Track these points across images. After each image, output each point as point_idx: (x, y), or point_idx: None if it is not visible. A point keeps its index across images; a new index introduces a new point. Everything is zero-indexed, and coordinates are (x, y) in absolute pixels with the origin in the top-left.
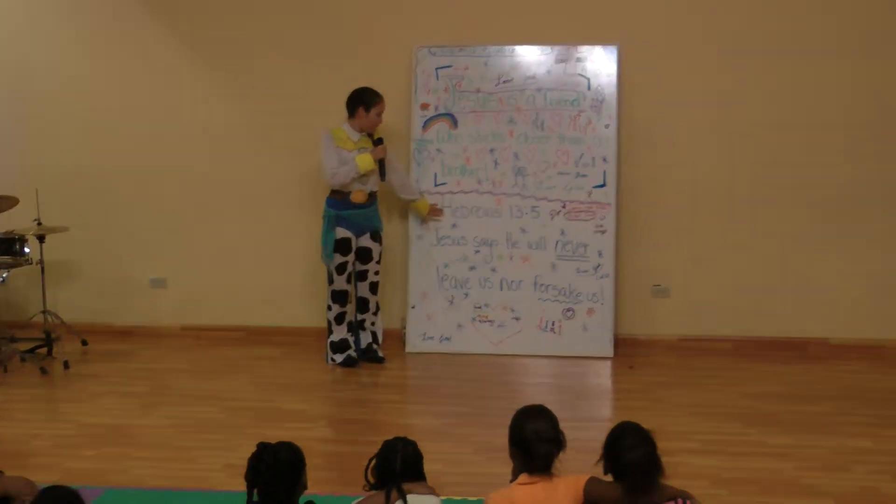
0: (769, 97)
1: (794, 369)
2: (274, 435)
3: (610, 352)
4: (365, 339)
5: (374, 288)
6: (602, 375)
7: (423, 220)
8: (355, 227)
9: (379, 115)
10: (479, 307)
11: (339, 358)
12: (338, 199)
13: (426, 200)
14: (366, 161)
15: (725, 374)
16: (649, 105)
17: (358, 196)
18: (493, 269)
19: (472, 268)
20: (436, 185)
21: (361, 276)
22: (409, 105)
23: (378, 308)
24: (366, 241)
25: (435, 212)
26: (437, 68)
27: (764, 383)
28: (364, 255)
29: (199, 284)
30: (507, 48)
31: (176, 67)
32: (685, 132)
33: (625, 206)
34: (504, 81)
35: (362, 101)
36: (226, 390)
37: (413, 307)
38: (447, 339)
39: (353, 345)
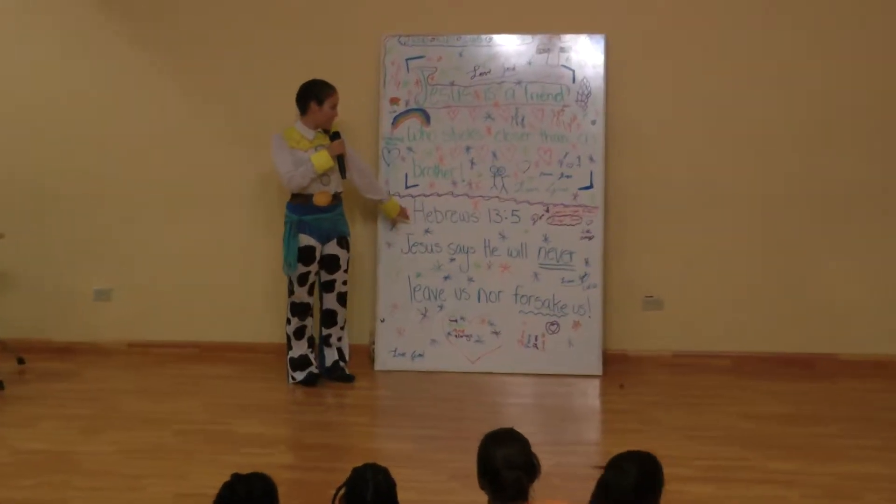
0: (770, 91)
1: (799, 388)
2: (230, 461)
3: (598, 369)
4: (330, 356)
5: (342, 299)
6: (589, 395)
7: (393, 224)
8: (319, 234)
9: (333, 107)
10: (455, 321)
11: (299, 376)
12: (299, 204)
13: (395, 202)
14: (322, 159)
15: (724, 393)
16: (640, 99)
17: (321, 198)
18: (470, 279)
19: (446, 277)
20: (407, 187)
21: (328, 286)
22: (376, 100)
23: (345, 322)
24: (332, 248)
25: (403, 214)
26: (407, 59)
27: (766, 403)
28: (330, 264)
29: (148, 296)
30: (485, 37)
31: (123, 59)
32: (679, 129)
33: (613, 210)
34: (481, 74)
35: (313, 94)
36: (177, 412)
37: (382, 321)
38: (420, 355)
39: (314, 361)
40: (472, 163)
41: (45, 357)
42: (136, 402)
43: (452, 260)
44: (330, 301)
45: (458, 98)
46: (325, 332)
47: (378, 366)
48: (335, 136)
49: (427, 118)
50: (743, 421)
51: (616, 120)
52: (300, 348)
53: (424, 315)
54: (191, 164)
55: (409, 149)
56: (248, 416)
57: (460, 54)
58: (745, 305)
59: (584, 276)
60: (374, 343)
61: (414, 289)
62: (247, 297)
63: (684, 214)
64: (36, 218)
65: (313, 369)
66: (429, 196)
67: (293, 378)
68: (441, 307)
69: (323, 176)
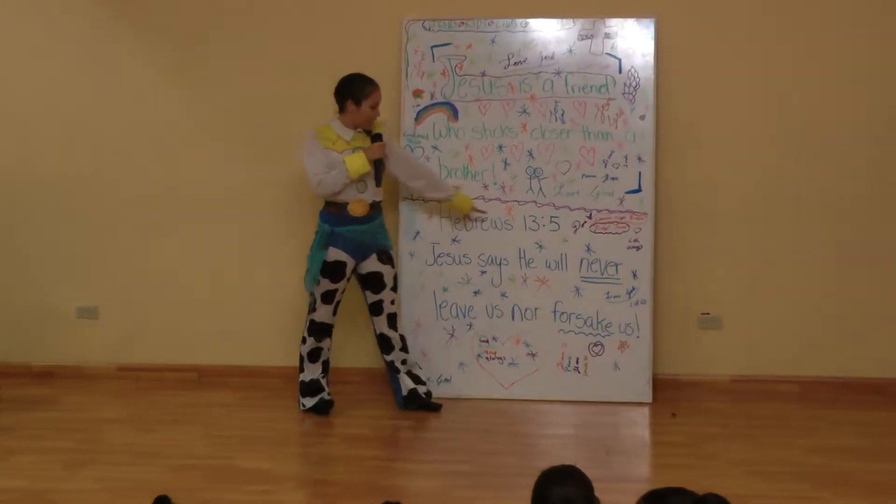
0: (847, 81)
1: (875, 417)
2: (232, 501)
3: (647, 396)
4: (405, 384)
5: (393, 322)
6: (638, 425)
7: (465, 220)
8: (354, 248)
9: (373, 107)
10: (486, 341)
11: (309, 402)
12: (333, 213)
13: (465, 196)
14: (357, 162)
15: (791, 423)
16: (695, 92)
17: (356, 208)
18: (503, 295)
19: (476, 292)
20: None
21: (375, 308)
22: (397, 93)
23: (405, 343)
24: (372, 264)
25: (476, 208)
26: (432, 46)
27: (839, 435)
28: (374, 283)
29: (139, 314)
30: (520, 21)
31: (110, 51)
32: (740, 126)
33: (665, 217)
34: (515, 63)
35: (350, 92)
36: (171, 445)
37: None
38: (446, 380)
39: (326, 386)
40: (506, 163)
41: (22, 382)
42: (125, 434)
43: (483, 273)
44: (381, 325)
45: (489, 90)
46: (386, 359)
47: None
48: (377, 137)
49: (455, 113)
50: (812, 455)
51: (668, 115)
52: (312, 372)
53: (451, 335)
54: (187, 167)
55: (435, 147)
56: (252, 450)
57: (492, 41)
58: (814, 324)
59: (631, 291)
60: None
61: (440, 305)
62: (251, 314)
63: (746, 222)
64: (13, 228)
65: (325, 395)
66: None
67: (303, 405)
68: (470, 326)
69: (359, 182)
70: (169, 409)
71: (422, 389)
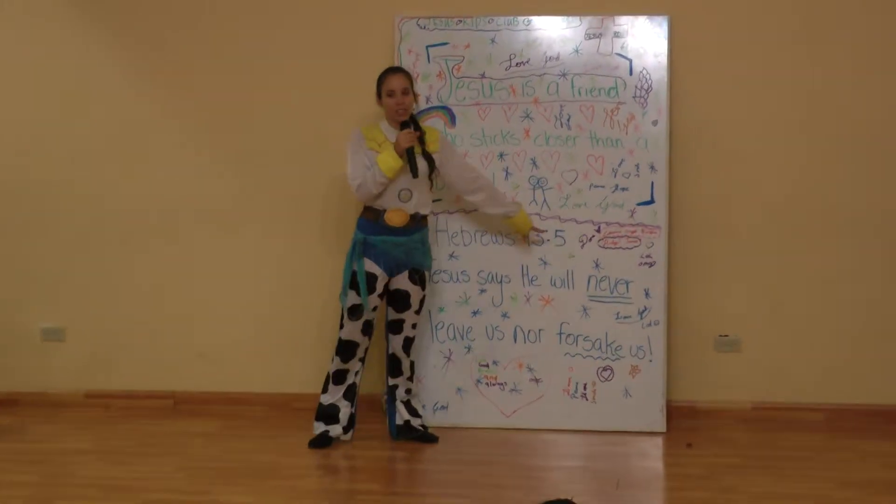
0: (882, 83)
1: None
2: None
3: (661, 425)
4: (401, 414)
5: (407, 346)
6: (651, 456)
7: (526, 242)
8: (388, 261)
9: (390, 94)
10: (486, 365)
11: (318, 428)
12: (369, 220)
13: (526, 214)
14: (388, 158)
15: (816, 454)
16: (712, 95)
17: (394, 217)
18: (505, 315)
19: (475, 313)
20: None
21: (394, 326)
22: None
23: (413, 372)
24: (402, 281)
25: (536, 229)
26: (427, 46)
27: (868, 468)
28: (400, 301)
29: (109, 336)
30: (522, 19)
31: (81, 56)
32: (761, 131)
33: (680, 230)
34: (517, 64)
35: (377, 87)
36: (145, 479)
37: None
38: (443, 407)
39: (342, 419)
40: (507, 172)
41: None
42: (94, 467)
43: (483, 291)
44: (395, 345)
45: (489, 94)
46: (391, 381)
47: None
48: (404, 125)
49: (452, 118)
50: (839, 489)
51: (683, 120)
52: (334, 395)
53: (448, 359)
54: (163, 179)
55: None
56: (234, 483)
57: (492, 40)
58: (841, 347)
59: (643, 311)
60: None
61: (436, 326)
62: (233, 335)
63: (767, 236)
64: None
65: (331, 430)
66: (454, 213)
67: (315, 428)
68: (469, 349)
69: (403, 190)
70: (142, 439)
71: (416, 422)
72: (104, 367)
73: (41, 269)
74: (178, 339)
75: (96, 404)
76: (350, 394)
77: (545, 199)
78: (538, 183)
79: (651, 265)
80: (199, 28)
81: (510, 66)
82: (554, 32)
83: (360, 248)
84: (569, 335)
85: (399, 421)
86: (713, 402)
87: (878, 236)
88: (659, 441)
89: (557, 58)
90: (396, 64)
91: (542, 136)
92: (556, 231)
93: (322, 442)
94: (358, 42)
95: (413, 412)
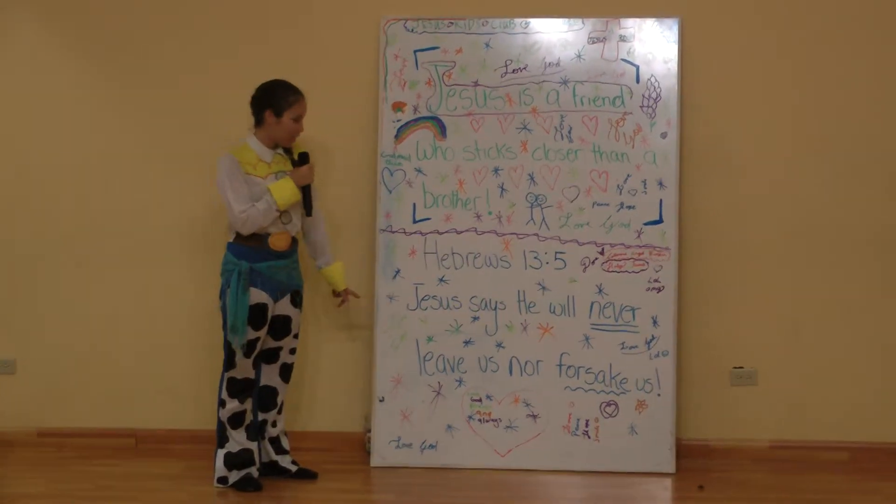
0: None
1: None
2: None
3: (670, 465)
4: (266, 452)
5: (286, 373)
6: (659, 499)
7: (338, 300)
8: (272, 287)
9: (297, 120)
10: (479, 400)
11: (234, 476)
12: (251, 247)
13: (341, 269)
14: (286, 190)
15: (839, 497)
16: (725, 105)
17: (279, 241)
18: (499, 345)
19: (467, 342)
20: (415, 222)
21: (269, 356)
22: (374, 105)
23: (282, 406)
24: (284, 306)
25: (352, 293)
26: (416, 51)
27: None
28: (280, 327)
29: (64, 368)
30: (519, 21)
31: (26, 55)
32: (780, 145)
33: (690, 253)
34: (514, 70)
35: (268, 101)
36: None
37: (381, 400)
38: (432, 446)
39: (256, 460)
40: (503, 189)
41: None
42: None
43: (475, 319)
44: (270, 376)
45: (483, 103)
46: (261, 416)
47: (375, 461)
48: (303, 157)
49: (442, 129)
50: None
51: (694, 132)
52: (239, 440)
53: (438, 393)
54: (119, 196)
55: (419, 170)
56: None
57: (487, 45)
58: (867, 380)
59: (651, 341)
60: (369, 430)
61: (424, 358)
62: (197, 371)
63: (785, 259)
64: None
65: (254, 471)
66: (444, 233)
67: (223, 481)
68: (460, 382)
69: (283, 213)
70: (100, 481)
71: (286, 461)
72: (58, 403)
73: None
74: (138, 372)
75: (49, 443)
76: (251, 431)
77: (544, 218)
78: (536, 200)
79: (659, 290)
80: (157, 44)
81: (506, 73)
82: (554, 36)
83: (247, 278)
84: (569, 367)
85: (265, 458)
86: (727, 440)
87: None
88: (668, 483)
89: (558, 64)
90: (381, 70)
91: (540, 149)
92: (556, 253)
93: (248, 484)
94: (340, 46)
95: (281, 450)
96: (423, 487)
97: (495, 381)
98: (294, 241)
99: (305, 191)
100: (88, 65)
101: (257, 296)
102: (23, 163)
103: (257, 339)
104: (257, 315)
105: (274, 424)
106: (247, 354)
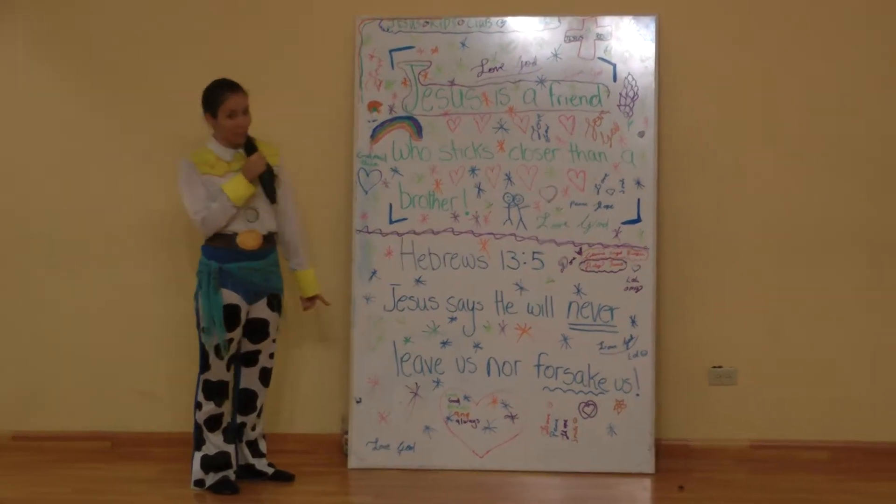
0: (890, 89)
1: None
2: None
3: (649, 465)
4: (243, 455)
5: (265, 377)
6: (639, 500)
7: (306, 307)
8: (246, 289)
9: (230, 116)
10: (457, 401)
11: (211, 479)
12: (220, 247)
13: (314, 276)
14: (238, 187)
15: (820, 497)
16: (704, 103)
17: (247, 239)
18: (477, 346)
19: (445, 343)
20: (391, 222)
21: (249, 359)
22: (350, 105)
23: (261, 408)
24: (260, 309)
25: (322, 300)
26: (391, 50)
27: None
28: (257, 331)
29: (39, 370)
30: (495, 20)
31: (9, 63)
32: (759, 143)
33: (669, 252)
34: (490, 70)
35: (205, 104)
36: None
37: (358, 401)
38: (409, 447)
39: (233, 462)
40: (480, 189)
41: None
42: None
43: (453, 319)
44: (249, 379)
45: (459, 102)
46: (239, 419)
47: (353, 462)
48: (249, 147)
49: (418, 129)
50: None
51: (672, 131)
52: (216, 443)
53: (415, 394)
54: (99, 195)
55: (395, 171)
56: None
57: (463, 44)
58: (848, 379)
59: (629, 341)
60: (346, 432)
61: (401, 359)
62: (175, 372)
63: (765, 257)
64: None
65: (231, 474)
66: (421, 234)
67: (200, 483)
68: (438, 383)
69: (248, 209)
70: (77, 485)
71: (262, 464)
72: (33, 406)
73: None
74: (115, 374)
75: (25, 447)
76: (228, 434)
77: (521, 218)
78: (514, 200)
79: (638, 290)
80: (124, 43)
81: (482, 72)
82: (530, 35)
83: (217, 279)
84: (547, 367)
85: (242, 461)
86: (707, 439)
87: (887, 255)
88: (647, 483)
89: (534, 63)
90: (356, 70)
91: (517, 148)
92: (534, 253)
93: (225, 487)
94: (314, 46)
95: (258, 453)
96: (401, 489)
97: (473, 382)
98: (267, 240)
99: (264, 179)
100: (57, 64)
101: (228, 296)
102: None
103: (231, 340)
104: (230, 316)
105: (253, 428)
106: (220, 356)
